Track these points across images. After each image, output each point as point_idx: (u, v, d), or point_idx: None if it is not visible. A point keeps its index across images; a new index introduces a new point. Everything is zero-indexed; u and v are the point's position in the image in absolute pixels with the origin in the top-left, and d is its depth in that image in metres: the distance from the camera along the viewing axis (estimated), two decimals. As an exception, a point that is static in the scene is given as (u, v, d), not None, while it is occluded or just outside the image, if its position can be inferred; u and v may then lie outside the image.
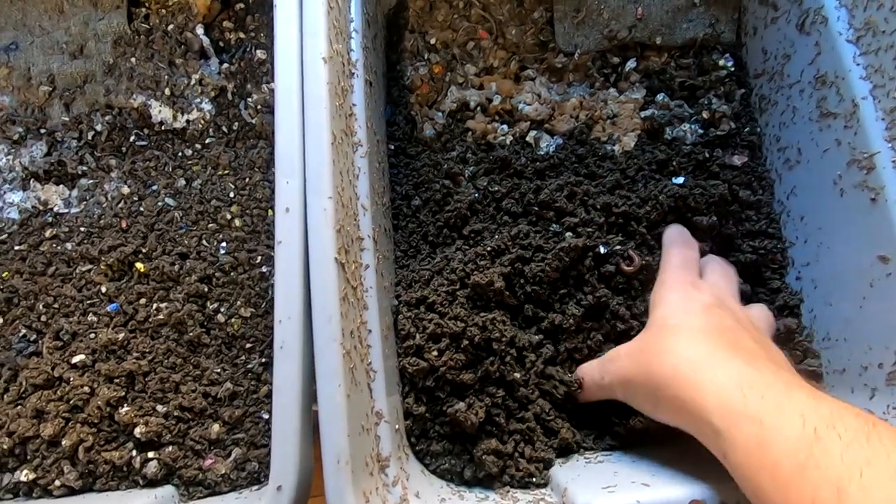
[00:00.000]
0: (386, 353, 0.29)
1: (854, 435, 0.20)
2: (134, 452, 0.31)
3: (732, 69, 0.41)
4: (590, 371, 0.32)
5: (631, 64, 0.41)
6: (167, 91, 0.40)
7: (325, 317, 0.23)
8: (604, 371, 0.30)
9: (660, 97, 0.40)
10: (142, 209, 0.38)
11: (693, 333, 0.28)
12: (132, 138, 0.39)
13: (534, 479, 0.30)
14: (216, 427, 0.32)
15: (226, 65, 0.40)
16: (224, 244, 0.37)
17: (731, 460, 0.23)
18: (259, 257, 0.36)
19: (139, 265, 0.36)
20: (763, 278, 0.37)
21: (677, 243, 0.35)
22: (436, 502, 0.27)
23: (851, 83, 0.32)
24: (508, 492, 0.30)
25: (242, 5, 0.41)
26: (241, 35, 0.41)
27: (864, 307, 0.31)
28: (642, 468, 0.28)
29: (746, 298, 0.36)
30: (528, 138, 0.40)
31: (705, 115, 0.40)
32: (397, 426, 0.29)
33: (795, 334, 0.35)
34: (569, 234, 0.35)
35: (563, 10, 0.41)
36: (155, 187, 0.38)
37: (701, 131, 0.40)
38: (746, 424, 0.22)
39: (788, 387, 0.23)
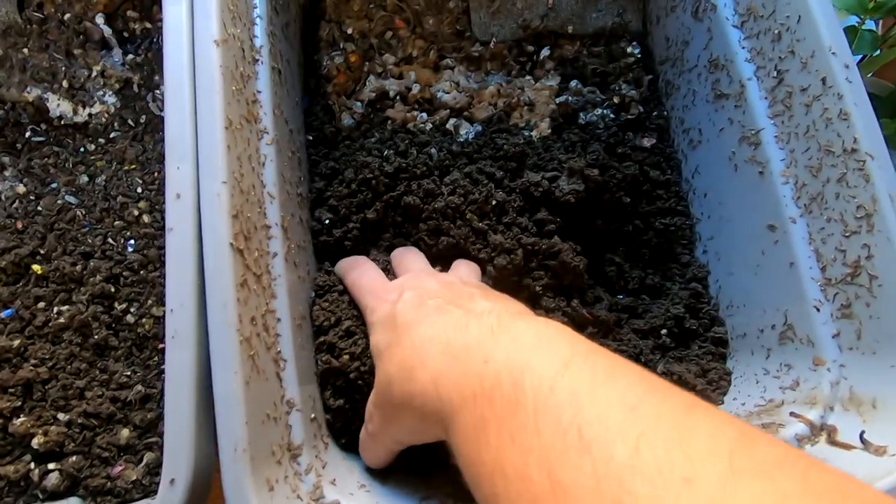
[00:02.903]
0: (301, 343, 0.29)
1: None
2: (32, 465, 0.29)
3: (640, 56, 0.43)
4: (368, 443, 0.28)
5: (545, 52, 0.42)
6: (65, 83, 0.37)
7: (219, 302, 0.22)
8: (375, 433, 0.27)
9: (573, 84, 0.42)
10: (40, 209, 0.35)
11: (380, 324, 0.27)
12: (28, 134, 0.37)
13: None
14: (126, 432, 0.31)
15: (130, 56, 0.39)
16: (132, 241, 0.35)
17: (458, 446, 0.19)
18: (170, 254, 0.35)
19: (36, 267, 0.33)
20: (674, 253, 0.39)
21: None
22: (355, 489, 0.27)
23: (738, 66, 0.34)
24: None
25: (147, -6, 0.39)
26: (147, 25, 0.39)
27: (758, 274, 0.33)
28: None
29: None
30: (447, 126, 0.40)
31: (616, 100, 0.41)
32: (313, 415, 0.28)
33: (703, 303, 0.37)
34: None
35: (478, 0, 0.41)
36: (54, 185, 0.36)
37: (612, 116, 0.41)
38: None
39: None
